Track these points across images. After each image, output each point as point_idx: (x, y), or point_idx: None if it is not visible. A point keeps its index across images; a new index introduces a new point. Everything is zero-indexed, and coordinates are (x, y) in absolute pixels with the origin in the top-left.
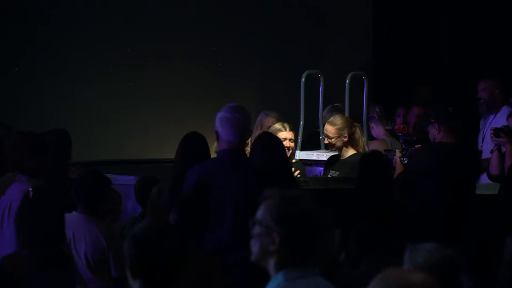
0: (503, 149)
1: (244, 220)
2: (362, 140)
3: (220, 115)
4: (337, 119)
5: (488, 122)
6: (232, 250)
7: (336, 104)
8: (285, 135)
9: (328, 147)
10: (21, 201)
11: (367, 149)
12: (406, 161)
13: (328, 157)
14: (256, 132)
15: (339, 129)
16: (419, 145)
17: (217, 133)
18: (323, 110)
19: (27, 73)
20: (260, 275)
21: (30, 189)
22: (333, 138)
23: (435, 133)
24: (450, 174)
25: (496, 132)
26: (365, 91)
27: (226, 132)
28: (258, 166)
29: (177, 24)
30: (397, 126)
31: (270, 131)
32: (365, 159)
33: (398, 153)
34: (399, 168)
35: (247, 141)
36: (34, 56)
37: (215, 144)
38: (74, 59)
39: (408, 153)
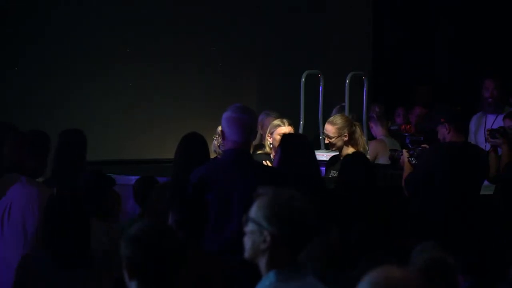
0: (500, 150)
1: None
2: (362, 139)
3: (226, 115)
4: (337, 119)
5: (490, 122)
6: (235, 250)
7: (343, 104)
8: (284, 130)
9: (329, 146)
10: (48, 200)
11: (367, 148)
12: (414, 161)
13: (328, 157)
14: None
15: (339, 129)
16: (425, 145)
17: (223, 133)
18: (323, 110)
19: (27, 73)
20: (261, 276)
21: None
22: (333, 137)
23: (445, 132)
24: (457, 174)
25: (492, 133)
26: (365, 91)
27: (231, 132)
28: (263, 166)
29: (177, 24)
30: (403, 126)
31: (269, 127)
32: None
33: (405, 153)
34: (407, 169)
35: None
36: (34, 56)
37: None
38: (74, 59)
39: (415, 153)
